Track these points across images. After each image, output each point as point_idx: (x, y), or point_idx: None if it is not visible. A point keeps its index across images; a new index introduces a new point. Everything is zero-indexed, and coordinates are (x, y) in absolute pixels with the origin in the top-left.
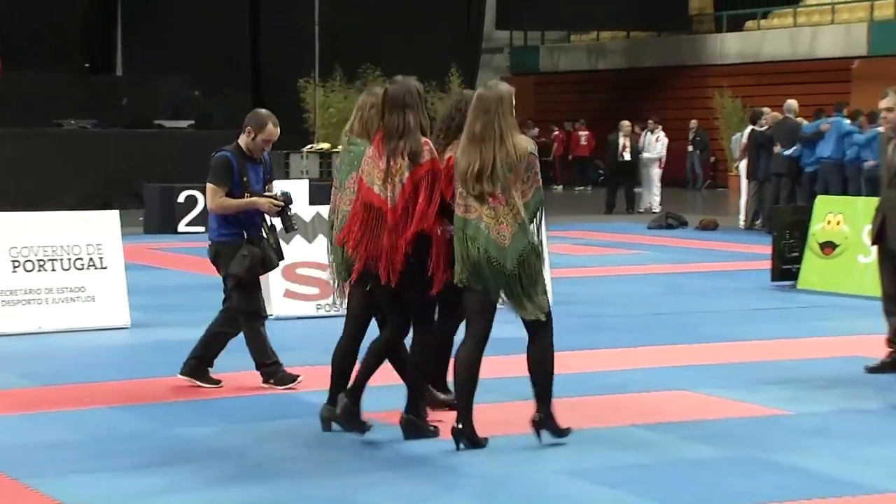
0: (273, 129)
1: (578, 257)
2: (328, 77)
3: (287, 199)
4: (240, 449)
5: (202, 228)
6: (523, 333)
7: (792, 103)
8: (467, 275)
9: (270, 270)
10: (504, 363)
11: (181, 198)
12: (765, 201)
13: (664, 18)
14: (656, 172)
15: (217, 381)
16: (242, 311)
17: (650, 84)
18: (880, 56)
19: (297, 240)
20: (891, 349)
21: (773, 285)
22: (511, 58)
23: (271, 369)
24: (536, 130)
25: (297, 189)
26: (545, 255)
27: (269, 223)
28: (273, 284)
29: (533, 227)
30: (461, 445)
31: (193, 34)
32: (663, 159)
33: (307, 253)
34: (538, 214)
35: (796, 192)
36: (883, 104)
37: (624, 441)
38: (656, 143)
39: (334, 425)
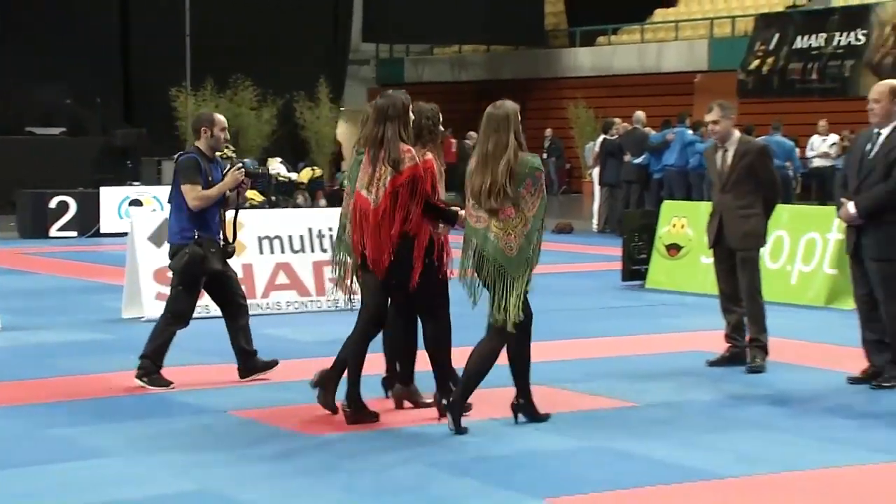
0: (220, 117)
1: None
2: (199, 86)
3: (248, 167)
4: (111, 449)
5: (74, 233)
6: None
7: (640, 114)
8: (479, 285)
9: (208, 273)
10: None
11: (53, 203)
12: (615, 206)
13: (522, 33)
14: None
15: (272, 363)
16: (170, 310)
17: (510, 95)
18: (720, 70)
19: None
20: (729, 344)
21: (624, 285)
22: (377, 69)
23: (152, 368)
24: None
25: (162, 194)
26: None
27: (222, 235)
28: (144, 287)
29: (535, 236)
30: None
31: (65, 42)
32: None
33: None
34: (541, 222)
35: (645, 197)
36: (709, 118)
37: (482, 433)
38: None
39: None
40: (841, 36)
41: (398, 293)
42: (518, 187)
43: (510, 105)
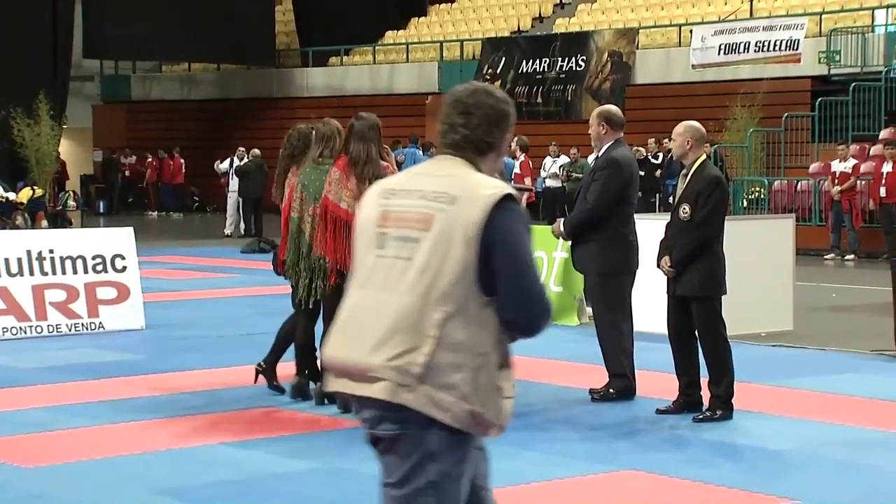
0: None
1: (172, 281)
2: None
3: None
4: None
5: None
6: None
7: None
8: None
9: None
10: None
11: None
12: None
13: (252, 53)
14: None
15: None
16: None
17: (241, 114)
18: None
19: None
20: None
21: None
22: (102, 86)
23: None
24: (134, 158)
25: None
26: None
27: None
28: None
29: None
30: None
31: None
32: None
33: None
34: None
35: None
36: None
37: (213, 459)
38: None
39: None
40: (563, 61)
41: None
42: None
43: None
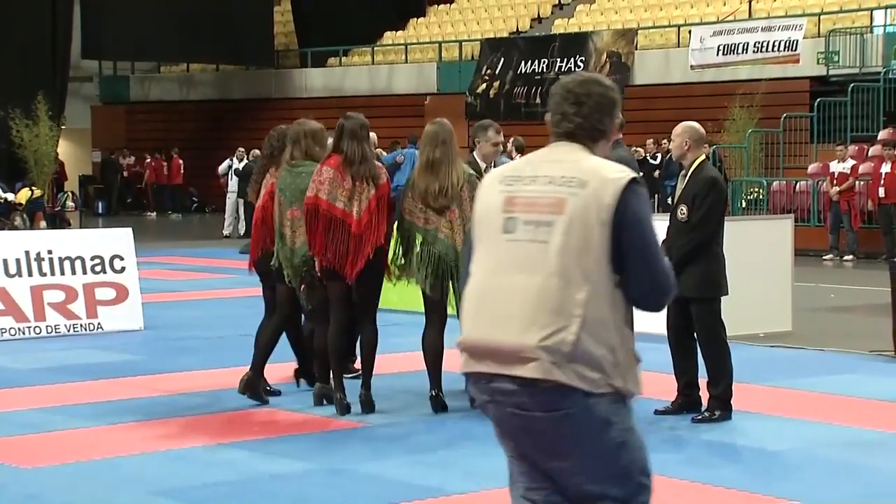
0: None
1: (170, 282)
2: None
3: None
4: None
5: None
6: None
7: (371, 135)
8: (432, 280)
9: None
10: None
11: None
12: None
13: (251, 53)
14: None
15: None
16: None
17: (240, 115)
18: (449, 93)
19: None
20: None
21: None
22: (100, 87)
23: None
24: (133, 159)
25: None
26: None
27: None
28: None
29: None
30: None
31: None
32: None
33: None
34: None
35: None
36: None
37: (211, 459)
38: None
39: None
40: (562, 62)
41: (360, 296)
42: (459, 190)
43: (448, 123)
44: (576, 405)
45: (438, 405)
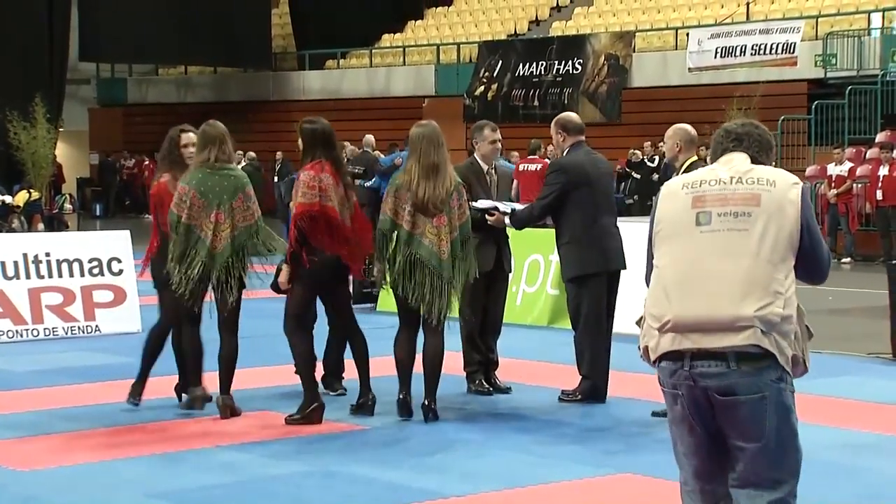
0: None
1: None
2: None
3: None
4: None
5: None
6: None
7: (370, 138)
8: (410, 285)
9: None
10: None
11: None
12: None
13: (248, 56)
14: None
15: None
16: None
17: (238, 117)
18: (447, 96)
19: None
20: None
21: (355, 307)
22: (98, 89)
23: None
24: (133, 161)
25: None
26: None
27: None
28: None
29: (468, 247)
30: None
31: None
32: None
33: None
34: (469, 238)
35: (376, 220)
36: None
37: (209, 462)
38: None
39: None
40: (560, 64)
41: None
42: (448, 196)
43: (436, 125)
44: (769, 388)
45: (430, 413)
